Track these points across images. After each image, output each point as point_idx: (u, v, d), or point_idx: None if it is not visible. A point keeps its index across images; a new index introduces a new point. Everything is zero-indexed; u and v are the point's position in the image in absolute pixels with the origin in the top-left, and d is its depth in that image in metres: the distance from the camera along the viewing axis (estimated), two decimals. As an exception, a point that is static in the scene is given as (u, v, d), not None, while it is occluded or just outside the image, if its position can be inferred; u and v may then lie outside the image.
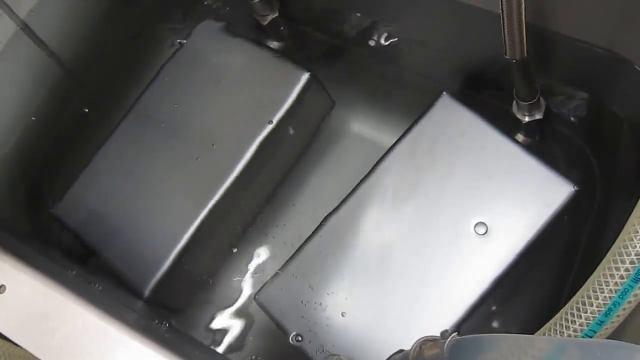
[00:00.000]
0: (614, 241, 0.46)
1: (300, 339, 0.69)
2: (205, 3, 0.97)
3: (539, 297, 0.75)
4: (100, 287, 0.64)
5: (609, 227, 0.72)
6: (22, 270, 0.55)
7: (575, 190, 0.66)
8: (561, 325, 0.46)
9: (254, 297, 0.73)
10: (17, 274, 0.54)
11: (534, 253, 0.66)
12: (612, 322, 0.44)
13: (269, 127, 0.76)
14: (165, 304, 0.77)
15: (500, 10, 0.55)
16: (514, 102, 0.74)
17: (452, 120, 0.71)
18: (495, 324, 0.74)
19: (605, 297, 0.43)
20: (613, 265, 0.43)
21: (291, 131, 0.80)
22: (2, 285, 0.54)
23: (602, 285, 0.43)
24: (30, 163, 0.89)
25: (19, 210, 0.87)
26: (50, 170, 0.91)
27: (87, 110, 0.94)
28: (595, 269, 0.46)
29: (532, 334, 0.52)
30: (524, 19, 0.55)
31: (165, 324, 0.62)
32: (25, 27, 0.83)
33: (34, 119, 0.87)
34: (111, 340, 0.50)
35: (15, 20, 0.82)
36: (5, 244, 0.58)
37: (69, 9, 0.88)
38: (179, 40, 0.85)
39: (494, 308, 0.73)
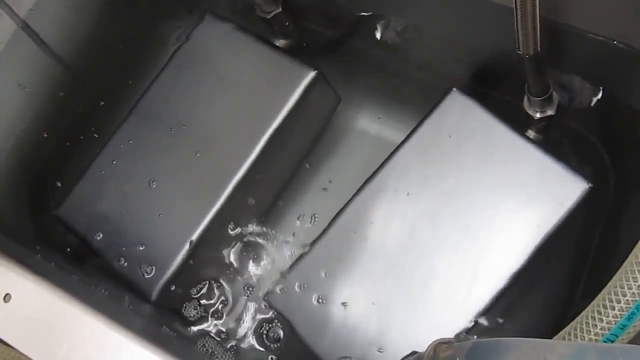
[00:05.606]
0: (630, 240, 0.45)
1: (312, 339, 0.68)
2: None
3: (551, 297, 0.74)
4: (106, 292, 0.64)
5: (622, 224, 0.70)
6: (28, 278, 0.54)
7: (589, 188, 0.65)
8: (582, 329, 0.45)
9: (264, 297, 0.72)
10: (22, 282, 0.54)
11: (546, 252, 0.65)
12: (635, 325, 0.43)
13: (275, 126, 0.75)
14: (173, 307, 0.76)
15: (514, 4, 0.53)
16: (525, 98, 0.72)
17: (462, 117, 0.70)
18: (506, 325, 0.72)
19: (627, 300, 0.42)
20: (636, 268, 0.42)
21: (297, 129, 0.78)
22: (8, 293, 0.53)
23: (624, 287, 0.42)
24: (32, 164, 0.88)
25: (22, 213, 0.87)
26: (53, 172, 0.90)
27: (89, 110, 0.92)
28: (610, 269, 0.45)
29: (544, 334, 0.51)
30: (537, 12, 0.54)
31: (174, 334, 0.62)
32: (25, 27, 0.82)
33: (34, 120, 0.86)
34: (119, 349, 0.49)
35: (15, 20, 0.81)
36: (10, 251, 0.57)
37: (69, 7, 0.87)
38: (182, 39, 0.83)
39: (506, 308, 0.72)
